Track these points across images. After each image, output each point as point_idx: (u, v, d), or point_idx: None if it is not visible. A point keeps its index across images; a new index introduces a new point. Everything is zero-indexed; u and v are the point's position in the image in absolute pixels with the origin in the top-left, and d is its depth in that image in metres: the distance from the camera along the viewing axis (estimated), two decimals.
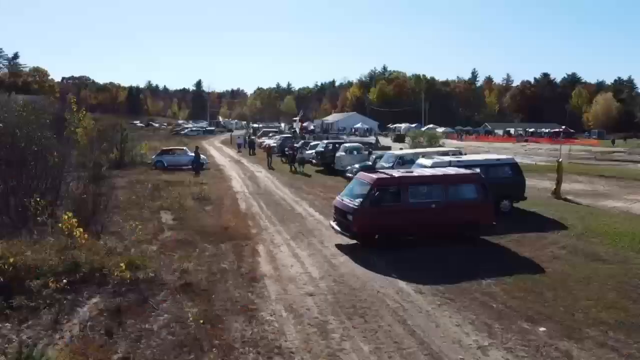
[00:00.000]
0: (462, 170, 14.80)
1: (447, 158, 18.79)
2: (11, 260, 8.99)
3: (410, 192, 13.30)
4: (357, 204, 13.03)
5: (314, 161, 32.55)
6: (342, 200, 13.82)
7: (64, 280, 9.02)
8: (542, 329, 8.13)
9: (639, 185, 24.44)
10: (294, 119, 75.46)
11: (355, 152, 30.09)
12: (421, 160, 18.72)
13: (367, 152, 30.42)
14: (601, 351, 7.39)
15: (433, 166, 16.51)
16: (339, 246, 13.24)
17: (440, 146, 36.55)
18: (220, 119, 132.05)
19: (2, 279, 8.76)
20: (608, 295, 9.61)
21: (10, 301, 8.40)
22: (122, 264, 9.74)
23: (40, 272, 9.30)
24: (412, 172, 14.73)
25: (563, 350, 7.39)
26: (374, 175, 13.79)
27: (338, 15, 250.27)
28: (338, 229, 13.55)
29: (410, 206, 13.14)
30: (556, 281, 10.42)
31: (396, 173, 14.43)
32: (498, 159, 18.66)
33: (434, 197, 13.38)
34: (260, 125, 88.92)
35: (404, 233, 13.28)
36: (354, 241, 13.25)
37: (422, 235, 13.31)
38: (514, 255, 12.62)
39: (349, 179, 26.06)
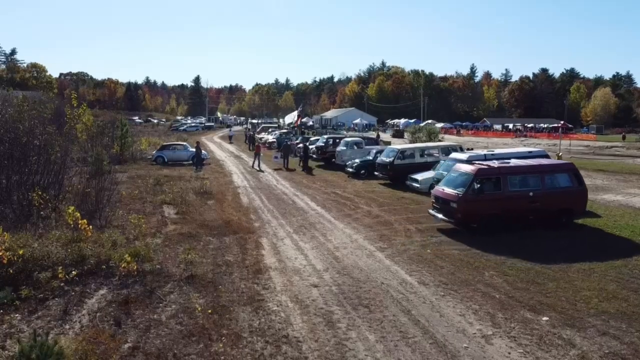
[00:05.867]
0: (556, 161, 15.37)
1: (481, 152, 19.75)
2: (20, 252, 9.06)
3: (509, 181, 13.99)
4: (460, 193, 13.68)
5: (314, 156, 32.64)
6: (443, 189, 14.52)
7: (73, 272, 9.10)
8: (544, 318, 8.25)
9: (638, 179, 24.60)
10: (291, 114, 75.56)
11: (355, 147, 30.16)
12: (455, 155, 19.45)
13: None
14: (603, 339, 7.51)
15: (469, 160, 17.19)
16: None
17: (439, 141, 36.63)
18: (219, 114, 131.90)
19: (10, 271, 8.83)
20: (609, 286, 9.74)
21: (18, 292, 8.50)
22: (127, 255, 9.83)
23: (47, 264, 9.39)
24: (509, 162, 15.35)
25: (566, 339, 7.51)
26: (475, 166, 14.43)
27: (336, 11, 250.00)
28: (440, 216, 14.32)
29: (510, 194, 13.85)
30: (557, 272, 10.54)
31: (494, 163, 14.93)
32: (530, 152, 19.47)
33: (531, 185, 14.16)
34: (260, 121, 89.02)
35: (504, 220, 13.80)
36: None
37: (520, 221, 13.97)
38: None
39: (349, 174, 26.41)
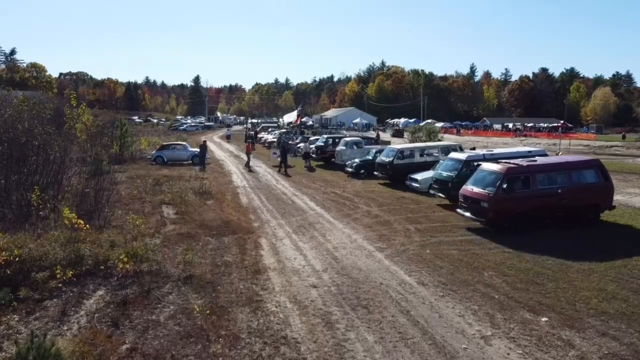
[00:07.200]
0: (582, 157, 15.40)
1: (480, 152, 19.94)
2: (17, 252, 9.03)
3: (538, 179, 14.09)
4: (490, 192, 13.73)
5: (313, 155, 32.64)
6: (472, 189, 14.50)
7: (70, 273, 9.07)
8: (544, 319, 8.22)
9: (638, 179, 24.57)
10: (289, 114, 75.48)
11: (355, 146, 30.13)
12: (454, 154, 19.70)
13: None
14: (602, 340, 7.48)
15: (468, 159, 17.42)
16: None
17: (439, 141, 36.58)
18: (219, 114, 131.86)
19: (8, 271, 8.80)
20: (608, 287, 9.70)
21: (16, 293, 8.46)
22: (124, 256, 9.79)
23: (45, 265, 9.37)
24: (535, 160, 15.38)
25: (565, 340, 7.48)
26: (505, 165, 14.45)
27: (336, 11, 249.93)
28: (468, 215, 14.36)
29: (539, 192, 13.96)
30: (557, 272, 10.51)
31: (522, 162, 14.95)
32: (530, 151, 19.61)
33: (559, 182, 14.32)
34: (259, 121, 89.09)
35: (534, 217, 13.90)
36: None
37: (549, 219, 14.05)
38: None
39: (349, 173, 26.38)
